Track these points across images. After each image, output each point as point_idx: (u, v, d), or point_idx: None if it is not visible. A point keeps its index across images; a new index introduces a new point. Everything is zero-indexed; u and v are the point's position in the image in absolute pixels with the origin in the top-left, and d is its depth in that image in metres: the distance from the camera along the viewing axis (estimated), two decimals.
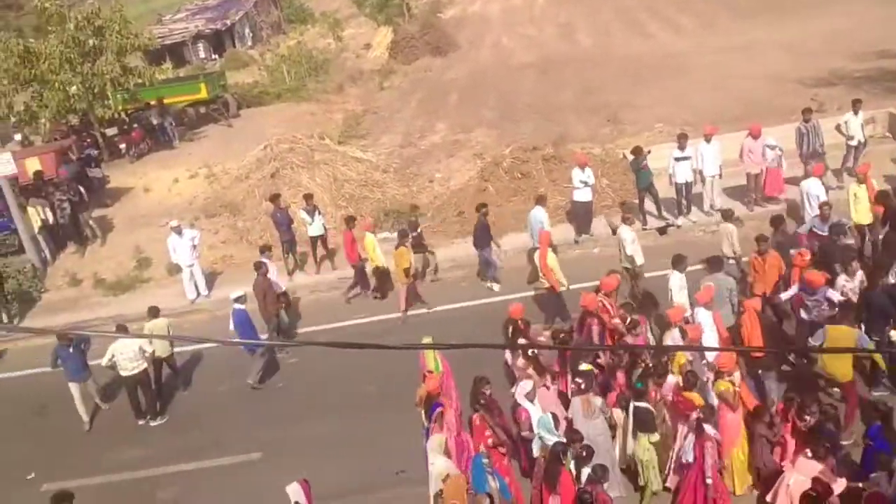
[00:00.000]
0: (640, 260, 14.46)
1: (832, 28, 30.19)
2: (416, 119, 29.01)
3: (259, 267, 15.36)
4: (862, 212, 14.38)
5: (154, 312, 14.61)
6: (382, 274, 16.77)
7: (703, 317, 11.64)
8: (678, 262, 12.77)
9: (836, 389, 11.24)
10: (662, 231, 17.21)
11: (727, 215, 14.46)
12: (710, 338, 11.53)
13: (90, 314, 18.58)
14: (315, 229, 17.98)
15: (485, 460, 9.55)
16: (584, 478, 9.36)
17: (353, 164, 22.53)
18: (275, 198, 18.46)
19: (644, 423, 10.09)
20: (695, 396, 10.06)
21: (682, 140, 17.28)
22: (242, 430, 13.22)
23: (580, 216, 17.89)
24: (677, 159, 17.15)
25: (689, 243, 16.22)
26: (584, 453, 9.70)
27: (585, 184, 17.31)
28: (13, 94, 26.32)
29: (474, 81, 33.11)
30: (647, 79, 28.25)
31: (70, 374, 13.98)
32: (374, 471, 11.78)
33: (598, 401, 10.34)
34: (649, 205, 17.90)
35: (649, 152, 17.73)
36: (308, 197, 18.32)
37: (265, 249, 16.35)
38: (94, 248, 21.53)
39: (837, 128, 17.82)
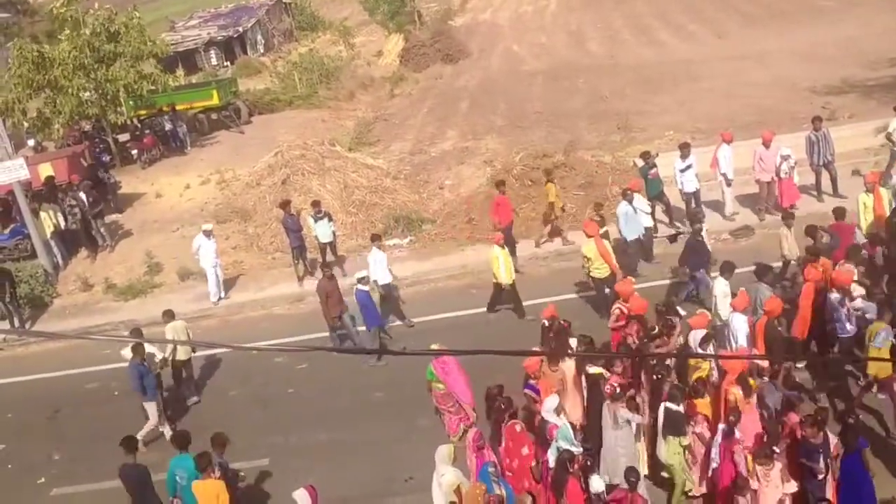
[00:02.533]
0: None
1: (844, 36, 30.12)
2: (427, 126, 29.08)
3: (326, 270, 15.32)
4: (871, 221, 14.32)
5: (170, 315, 14.56)
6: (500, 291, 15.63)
7: (739, 323, 11.55)
8: (726, 270, 12.66)
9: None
10: (673, 239, 17.17)
11: (786, 217, 14.34)
12: (744, 344, 11.41)
13: (101, 319, 18.69)
14: (324, 235, 18.03)
15: (491, 469, 9.53)
16: (593, 486, 9.33)
17: (364, 170, 22.59)
18: (285, 204, 18.53)
19: (674, 425, 9.98)
20: (702, 404, 10.03)
21: (684, 149, 17.23)
22: (251, 436, 13.20)
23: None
24: (682, 170, 17.10)
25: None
26: (589, 462, 9.69)
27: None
28: (27, 100, 26.52)
29: (485, 88, 33.18)
30: (658, 86, 28.25)
31: (151, 391, 13.27)
32: (382, 478, 11.79)
33: (624, 413, 10.26)
34: (660, 213, 17.86)
35: (657, 155, 17.70)
36: (315, 204, 18.39)
37: (375, 238, 16.09)
38: (105, 253, 21.66)
39: (888, 136, 17.66)
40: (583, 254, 14.95)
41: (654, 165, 17.33)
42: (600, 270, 14.61)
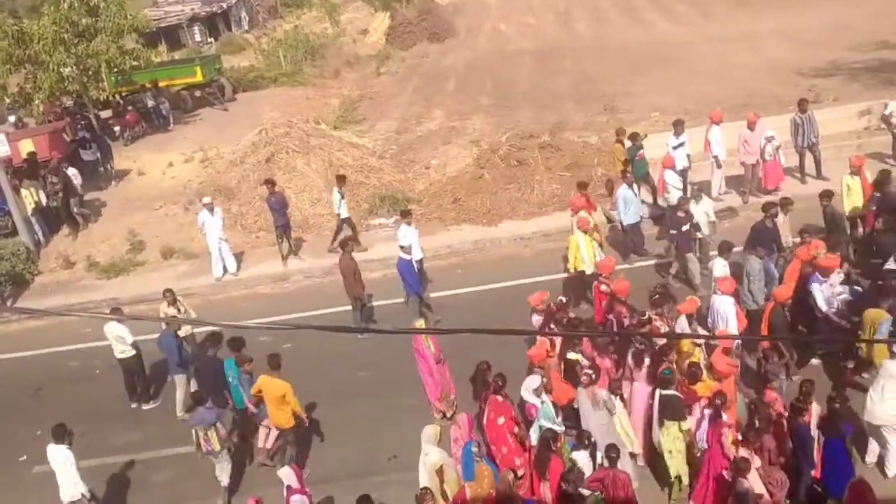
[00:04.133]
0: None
1: (833, 19, 30.14)
2: (413, 105, 28.93)
3: (346, 245, 15.09)
4: (854, 203, 14.38)
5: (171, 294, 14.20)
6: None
7: (727, 305, 11.53)
8: (724, 250, 12.63)
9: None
10: (657, 220, 17.19)
11: (784, 203, 14.28)
12: (732, 327, 11.37)
13: (83, 297, 18.54)
14: (346, 211, 17.94)
15: (474, 448, 9.55)
16: (580, 462, 9.37)
17: (349, 149, 22.48)
18: (269, 182, 18.40)
19: (673, 410, 9.94)
20: (702, 388, 10.06)
21: (678, 126, 17.26)
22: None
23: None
24: (674, 147, 17.12)
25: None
26: (589, 440, 9.74)
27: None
28: (7, 76, 26.15)
29: (471, 68, 33.03)
30: (645, 67, 28.18)
31: (183, 364, 13.19)
32: (367, 457, 11.80)
33: (602, 392, 10.29)
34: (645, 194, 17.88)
35: (646, 136, 17.69)
36: (341, 178, 18.21)
37: (406, 214, 15.77)
38: (87, 230, 21.45)
39: (883, 118, 17.72)
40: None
41: (642, 147, 17.33)
42: (584, 264, 14.36)
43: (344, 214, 18.05)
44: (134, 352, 13.67)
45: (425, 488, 9.25)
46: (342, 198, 17.88)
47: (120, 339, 13.50)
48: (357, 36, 43.02)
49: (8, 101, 27.62)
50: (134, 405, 14.00)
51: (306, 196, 20.68)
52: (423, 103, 28.86)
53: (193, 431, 11.05)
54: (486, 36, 39.64)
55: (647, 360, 10.73)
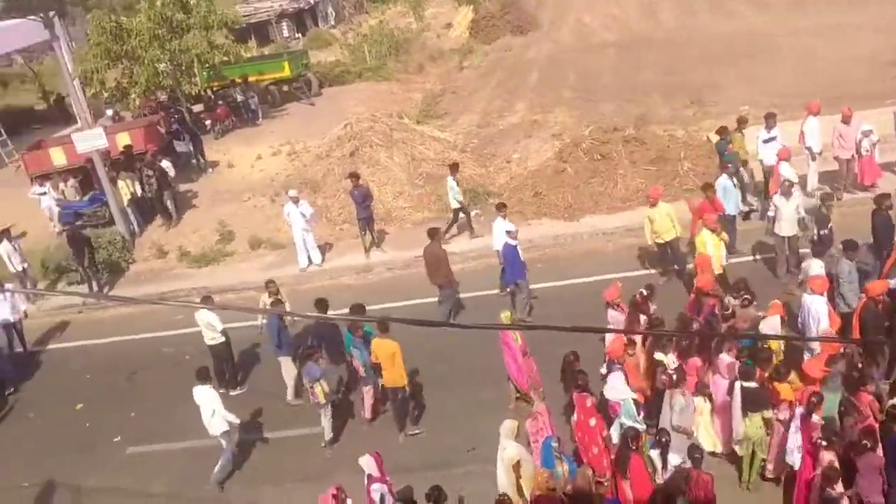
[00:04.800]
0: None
1: None
2: (495, 99, 28.90)
3: (434, 234, 15.24)
4: None
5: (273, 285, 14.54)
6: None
7: (818, 305, 11.14)
8: (849, 249, 11.97)
9: None
10: (746, 216, 16.76)
11: (825, 198, 13.80)
12: (824, 328, 10.99)
13: (175, 285, 19.20)
14: (460, 199, 18.06)
15: (554, 444, 9.53)
16: (669, 464, 9.26)
17: (431, 143, 22.64)
18: (353, 176, 18.68)
19: (754, 400, 9.80)
20: (784, 388, 9.83)
21: (769, 120, 16.78)
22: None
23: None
24: (765, 141, 16.64)
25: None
26: (664, 439, 9.63)
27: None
28: (105, 70, 27.18)
29: (555, 61, 32.77)
30: (732, 59, 27.48)
31: (287, 347, 13.67)
32: (445, 447, 11.92)
33: (679, 401, 10.12)
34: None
35: (745, 124, 17.21)
36: (454, 166, 18.32)
37: (501, 207, 15.71)
38: (179, 221, 22.18)
39: None
40: (646, 216, 14.85)
41: (731, 141, 16.90)
42: (663, 235, 14.49)
43: (456, 204, 18.07)
44: (223, 339, 14.10)
45: (504, 494, 9.30)
46: (457, 185, 17.93)
47: (210, 327, 13.94)
48: (441, 30, 43.15)
49: (106, 95, 28.65)
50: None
51: (389, 189, 20.93)
52: (505, 97, 28.80)
53: (304, 383, 12.13)
54: (569, 28, 39.24)
55: (727, 353, 10.53)
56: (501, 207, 15.75)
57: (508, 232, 14.68)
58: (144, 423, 14.04)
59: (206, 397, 11.85)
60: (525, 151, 22.40)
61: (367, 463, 9.63)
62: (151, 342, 16.85)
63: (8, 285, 18.22)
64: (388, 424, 12.64)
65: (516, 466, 9.74)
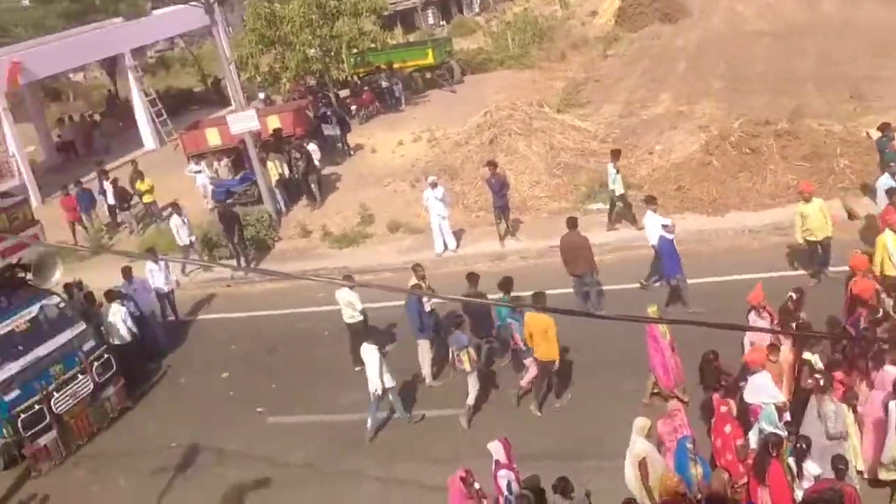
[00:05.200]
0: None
1: None
2: (639, 88, 28.18)
3: (573, 223, 15.18)
4: None
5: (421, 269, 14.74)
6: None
7: None
8: None
9: None
10: None
11: None
12: None
13: (317, 264, 19.84)
14: (621, 187, 17.83)
15: (689, 445, 9.25)
16: (807, 472, 8.82)
17: (571, 132, 22.38)
18: (491, 164, 18.70)
19: None
20: None
21: None
22: (450, 387, 13.64)
23: None
24: None
25: None
26: (803, 447, 9.17)
27: None
28: (259, 56, 28.39)
29: (704, 50, 31.59)
30: None
31: (427, 329, 13.93)
32: (576, 438, 11.81)
33: (829, 408, 9.60)
34: None
35: None
36: (615, 153, 18.09)
37: (651, 200, 15.41)
38: (323, 202, 22.92)
39: None
40: (798, 212, 14.15)
41: (893, 138, 15.82)
42: (816, 232, 13.75)
43: (619, 191, 17.80)
44: (361, 318, 14.47)
45: (632, 499, 9.12)
46: (617, 173, 17.68)
47: (350, 305, 14.33)
48: (586, 18, 42.48)
49: (258, 79, 29.96)
50: (358, 369, 14.74)
51: (526, 178, 20.83)
52: (650, 86, 28.04)
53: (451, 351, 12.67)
54: (720, 16, 37.72)
55: (891, 364, 9.86)
56: (651, 201, 15.38)
57: (665, 226, 14.33)
58: (284, 396, 14.62)
59: (372, 357, 12.45)
60: (669, 143, 21.74)
61: (496, 448, 9.66)
62: (292, 318, 17.49)
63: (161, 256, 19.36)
64: (519, 412, 12.63)
65: (642, 463, 9.54)
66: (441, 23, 48.27)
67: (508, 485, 9.46)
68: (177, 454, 13.44)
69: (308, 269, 19.51)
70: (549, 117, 23.02)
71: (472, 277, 13.84)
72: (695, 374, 11.23)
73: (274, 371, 15.58)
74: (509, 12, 42.65)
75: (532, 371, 12.66)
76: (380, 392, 12.55)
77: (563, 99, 27.65)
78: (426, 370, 13.87)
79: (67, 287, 16.30)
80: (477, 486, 9.53)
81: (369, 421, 12.83)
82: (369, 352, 12.54)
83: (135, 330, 15.84)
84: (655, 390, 12.05)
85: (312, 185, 22.78)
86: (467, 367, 12.43)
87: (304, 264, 19.80)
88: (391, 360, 14.34)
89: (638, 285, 15.49)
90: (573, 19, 42.05)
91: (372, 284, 16.57)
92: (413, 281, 14.35)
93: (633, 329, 12.06)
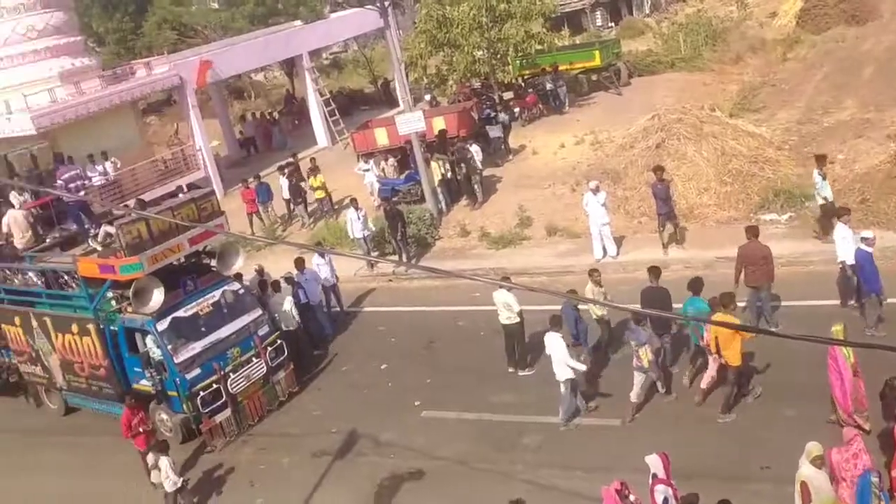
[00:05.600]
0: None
1: None
2: (821, 94, 26.60)
3: (755, 231, 14.54)
4: None
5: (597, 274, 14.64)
6: None
7: None
8: None
9: None
10: None
11: None
12: None
13: (475, 263, 20.03)
14: (830, 194, 16.79)
15: (874, 479, 8.60)
16: None
17: (745, 138, 21.36)
18: (658, 169, 18.22)
19: None
20: None
21: None
22: (604, 395, 13.43)
23: None
24: None
25: None
26: None
27: None
28: (428, 57, 29.00)
29: (895, 54, 29.40)
30: None
31: (582, 337, 13.97)
32: (736, 460, 11.30)
33: None
34: None
35: None
36: (821, 159, 17.05)
37: (844, 212, 14.64)
38: (482, 203, 23.12)
39: None
40: None
41: None
42: None
43: (830, 197, 16.71)
44: (518, 319, 14.49)
45: None
46: (823, 179, 16.71)
47: (507, 306, 14.38)
48: (764, 19, 40.54)
49: (425, 80, 30.62)
50: (511, 370, 14.86)
51: (693, 185, 20.11)
52: (832, 92, 26.41)
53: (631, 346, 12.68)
54: None
55: None
56: (844, 212, 14.50)
57: (865, 238, 13.46)
58: (439, 391, 14.87)
59: (556, 345, 12.59)
60: (852, 153, 20.39)
61: (654, 462, 9.38)
62: (449, 315, 17.78)
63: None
64: (678, 427, 12.24)
65: (804, 487, 9.01)
66: (609, 24, 47.51)
67: (665, 501, 9.17)
68: (337, 439, 13.98)
69: (465, 268, 19.67)
70: (721, 122, 22.10)
71: (654, 271, 13.76)
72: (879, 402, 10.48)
73: (430, 365, 15.88)
74: (681, 13, 41.41)
75: (711, 372, 12.40)
76: (568, 379, 12.60)
77: (736, 103, 26.56)
78: (580, 378, 13.66)
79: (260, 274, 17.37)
80: (632, 498, 9.31)
81: (561, 411, 12.89)
82: (555, 340, 12.64)
83: (297, 318, 16.60)
84: (833, 416, 11.33)
85: (475, 186, 23.02)
86: (644, 363, 12.44)
87: (462, 263, 20.02)
88: (549, 365, 14.37)
89: (827, 303, 14.59)
90: (750, 20, 40.23)
91: (530, 287, 16.56)
92: (589, 286, 14.15)
93: (814, 349, 11.36)
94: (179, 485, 12.67)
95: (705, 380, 12.59)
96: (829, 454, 9.36)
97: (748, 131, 21.85)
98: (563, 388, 12.75)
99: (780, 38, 35.61)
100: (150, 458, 12.91)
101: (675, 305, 13.53)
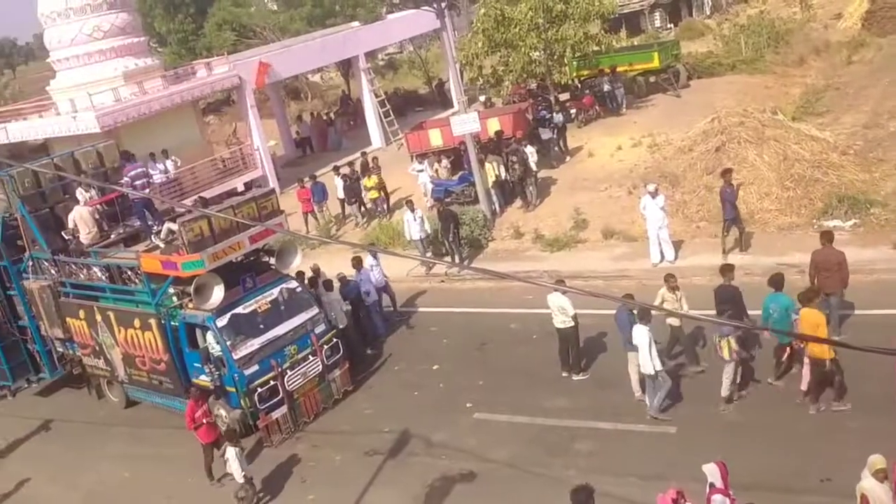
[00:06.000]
0: None
1: None
2: (888, 98, 25.84)
3: (829, 237, 14.16)
4: None
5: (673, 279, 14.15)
6: None
7: None
8: None
9: None
10: None
11: None
12: None
13: (528, 265, 19.92)
14: None
15: None
16: None
17: (808, 142, 20.87)
18: (727, 172, 17.79)
19: None
20: None
21: None
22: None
23: None
24: None
25: None
26: None
27: None
28: (485, 57, 28.96)
29: None
30: None
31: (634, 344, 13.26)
32: (794, 471, 11.03)
33: None
34: None
35: None
36: None
37: None
38: (536, 205, 23.01)
39: None
40: None
41: None
42: None
43: None
44: (572, 323, 14.36)
45: None
46: None
47: (562, 310, 14.25)
48: (829, 21, 39.68)
49: (481, 81, 30.57)
50: (564, 374, 14.74)
51: (754, 189, 19.72)
52: None
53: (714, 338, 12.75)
54: None
55: None
56: None
57: None
58: (491, 393, 14.83)
59: (643, 337, 12.60)
60: None
61: (711, 471, 9.19)
62: (501, 317, 17.75)
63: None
64: (735, 437, 12.02)
65: (864, 500, 8.81)
66: (668, 26, 46.91)
67: None
68: (389, 439, 14.04)
69: (518, 270, 19.60)
70: (783, 125, 21.65)
71: (727, 268, 13.80)
72: None
73: (482, 367, 15.86)
74: (742, 14, 40.69)
75: (805, 372, 12.33)
76: (654, 372, 12.58)
77: (799, 107, 26.03)
78: (636, 384, 13.51)
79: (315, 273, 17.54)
80: None
81: (650, 400, 12.92)
82: (641, 333, 12.61)
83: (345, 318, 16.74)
84: None
85: (529, 188, 22.93)
86: (726, 355, 12.44)
87: (515, 265, 19.96)
88: (604, 370, 14.27)
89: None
90: (814, 22, 39.39)
91: (586, 291, 16.35)
92: (666, 291, 13.84)
93: (881, 360, 10.94)
94: (243, 478, 12.91)
95: (803, 382, 12.43)
96: (895, 468, 9.10)
97: (811, 135, 21.35)
98: (649, 380, 12.83)
99: (844, 41, 34.81)
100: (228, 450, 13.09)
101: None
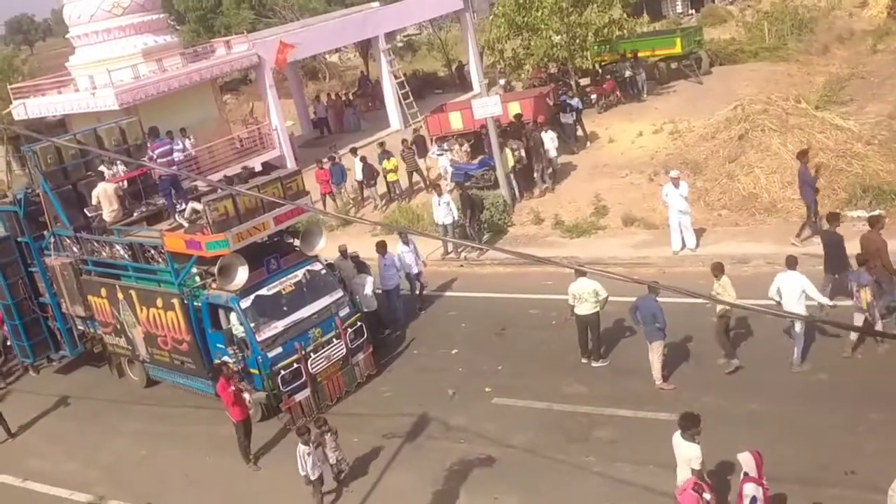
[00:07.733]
0: None
1: None
2: None
3: (876, 221, 14.06)
4: None
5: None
6: None
7: None
8: None
9: None
10: None
11: None
12: None
13: (548, 251, 19.80)
14: None
15: None
16: None
17: (832, 131, 20.69)
18: (803, 154, 17.18)
19: None
20: None
21: None
22: (681, 390, 13.21)
23: None
24: None
25: None
26: None
27: None
28: (506, 41, 28.76)
29: None
30: None
31: (661, 332, 13.25)
32: (818, 464, 10.97)
33: None
34: None
35: None
36: None
37: None
38: (557, 190, 22.92)
39: None
40: None
41: None
42: None
43: None
44: (597, 309, 14.21)
45: None
46: None
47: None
48: (854, 9, 39.18)
49: (501, 64, 30.37)
50: (584, 360, 14.71)
51: (777, 178, 19.60)
52: None
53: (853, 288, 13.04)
54: None
55: None
56: None
57: None
58: (510, 378, 14.82)
59: (800, 281, 12.91)
60: None
61: (746, 460, 9.06)
62: (521, 302, 17.69)
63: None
64: (758, 428, 11.97)
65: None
66: (690, 11, 46.48)
67: (753, 500, 8.91)
68: (407, 422, 14.05)
69: (538, 255, 19.55)
70: (807, 114, 21.45)
71: (833, 216, 14.45)
72: None
73: (501, 352, 15.83)
74: (766, 1, 40.23)
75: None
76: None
77: (823, 95, 25.72)
78: (657, 372, 13.47)
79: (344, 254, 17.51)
80: (708, 496, 9.14)
81: (797, 352, 13.16)
82: (798, 277, 12.90)
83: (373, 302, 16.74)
84: None
85: (542, 173, 22.79)
86: (864, 304, 12.70)
87: (535, 251, 19.82)
88: (624, 358, 14.18)
89: None
90: (839, 10, 38.90)
91: (616, 275, 16.16)
92: (716, 284, 13.47)
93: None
94: (315, 476, 12.33)
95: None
96: None
97: (835, 124, 21.16)
98: (797, 327, 13.05)
99: (869, 29, 34.43)
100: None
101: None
